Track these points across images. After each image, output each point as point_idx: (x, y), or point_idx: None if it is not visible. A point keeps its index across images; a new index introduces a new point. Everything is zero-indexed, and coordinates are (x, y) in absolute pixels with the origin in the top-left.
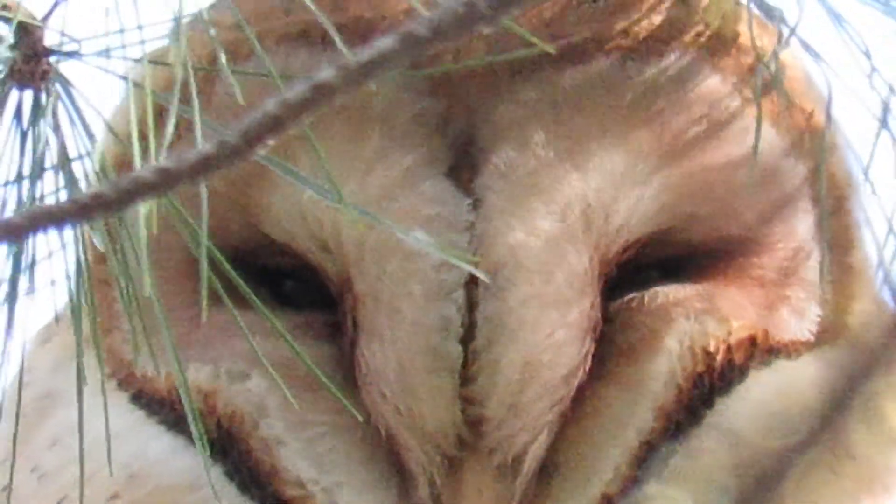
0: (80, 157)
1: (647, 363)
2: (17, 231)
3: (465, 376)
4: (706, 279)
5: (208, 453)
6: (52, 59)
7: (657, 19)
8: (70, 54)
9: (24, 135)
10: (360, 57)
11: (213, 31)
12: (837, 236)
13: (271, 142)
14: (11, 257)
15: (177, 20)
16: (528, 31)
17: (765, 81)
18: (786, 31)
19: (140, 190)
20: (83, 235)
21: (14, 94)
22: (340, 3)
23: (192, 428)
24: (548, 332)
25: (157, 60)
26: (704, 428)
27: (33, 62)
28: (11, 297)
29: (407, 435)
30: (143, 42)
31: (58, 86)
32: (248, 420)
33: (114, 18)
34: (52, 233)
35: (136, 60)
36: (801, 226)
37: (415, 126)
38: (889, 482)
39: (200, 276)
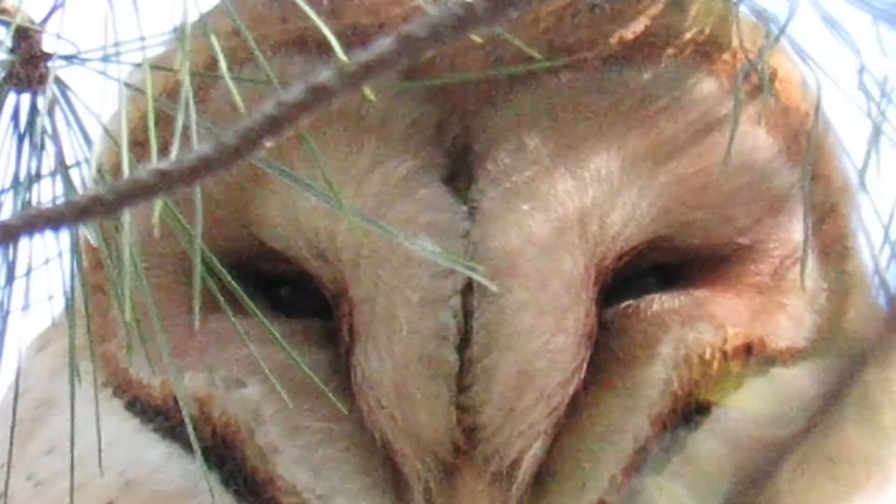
0: (78, 162)
1: (642, 370)
2: (13, 232)
3: (461, 383)
4: (702, 286)
5: (202, 460)
6: (50, 62)
7: (652, 25)
8: (68, 58)
9: (21, 138)
10: (358, 59)
11: (211, 37)
12: (833, 243)
13: (269, 144)
14: (7, 261)
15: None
16: (524, 42)
17: (756, 85)
18: (775, 34)
19: (138, 192)
20: (79, 241)
21: (11, 98)
22: (337, 10)
23: (190, 435)
24: (544, 339)
25: (156, 65)
26: (701, 434)
27: (31, 66)
28: (6, 302)
29: (402, 442)
30: (143, 47)
31: (55, 89)
32: (243, 427)
33: (112, 23)
34: (49, 237)
35: (135, 65)
36: (797, 232)
37: (411, 133)
38: (883, 479)
39: (195, 280)
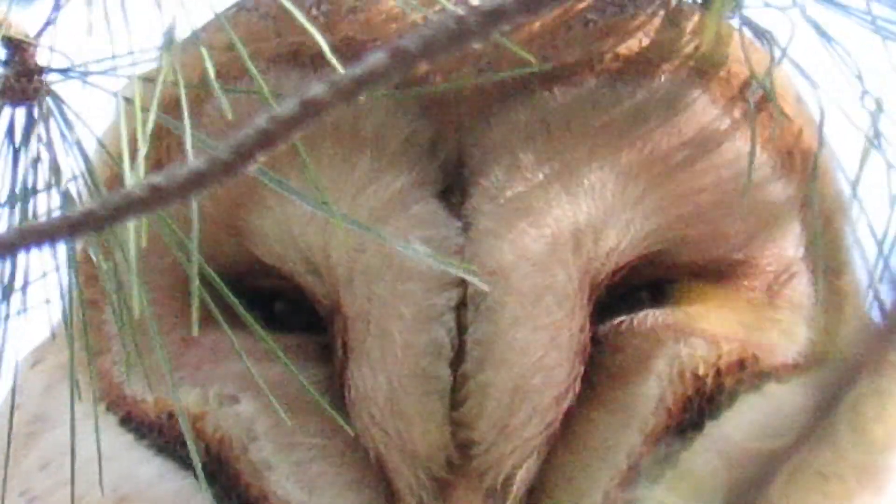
0: (74, 175)
1: (636, 386)
2: (8, 247)
3: (455, 399)
4: (696, 302)
5: (202, 474)
6: (45, 76)
7: (647, 41)
8: (62, 71)
9: (16, 152)
10: (351, 73)
11: (204, 51)
12: (827, 258)
13: (262, 157)
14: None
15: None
16: (520, 48)
17: (755, 102)
18: (777, 53)
19: (131, 207)
20: (76, 255)
21: (6, 112)
22: (331, 25)
23: (191, 449)
24: (537, 354)
25: (150, 78)
26: (694, 451)
27: (25, 79)
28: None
29: (396, 458)
30: (134, 62)
31: (50, 102)
32: (237, 444)
33: (106, 36)
34: (45, 250)
35: (130, 78)
36: (791, 248)
37: (405, 148)
38: (874, 492)
39: (192, 294)
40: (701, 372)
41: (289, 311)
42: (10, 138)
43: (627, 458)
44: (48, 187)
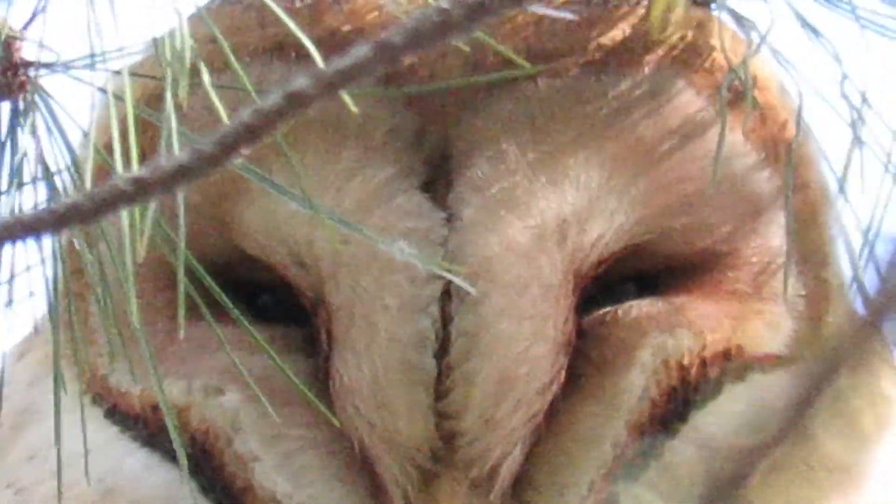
0: (59, 170)
1: (621, 377)
2: None
3: (440, 390)
4: (681, 293)
5: (186, 467)
6: (31, 70)
7: (630, 32)
8: (48, 66)
9: (2, 146)
10: (335, 66)
11: (189, 44)
12: (812, 250)
13: (246, 151)
14: None
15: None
16: (503, 42)
17: (736, 92)
18: (757, 42)
19: (116, 200)
20: (61, 248)
21: None
22: (316, 17)
23: (175, 441)
24: (522, 345)
25: (136, 72)
26: (679, 442)
27: (11, 73)
28: None
29: (381, 449)
30: (118, 56)
31: (36, 97)
32: (221, 436)
33: (92, 30)
34: (30, 244)
35: (115, 72)
36: (776, 239)
37: (390, 140)
38: (858, 478)
39: (178, 287)
40: (686, 363)
41: (274, 302)
42: None
43: (613, 448)
44: (34, 181)
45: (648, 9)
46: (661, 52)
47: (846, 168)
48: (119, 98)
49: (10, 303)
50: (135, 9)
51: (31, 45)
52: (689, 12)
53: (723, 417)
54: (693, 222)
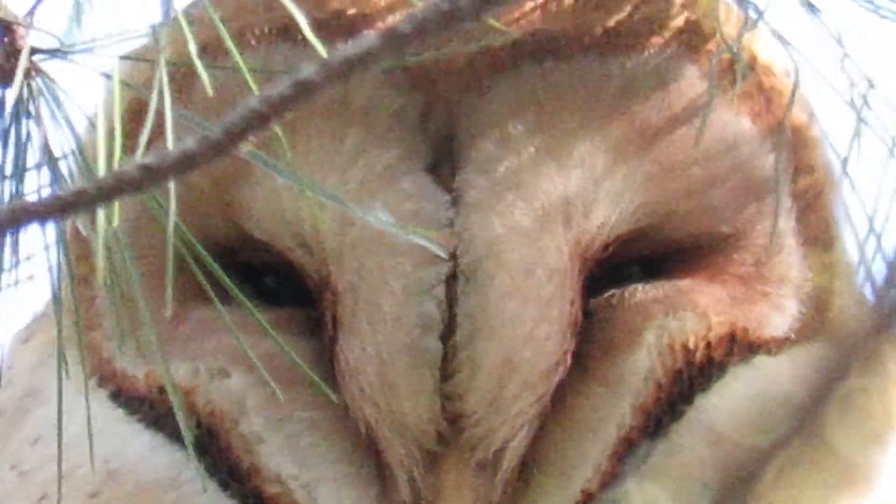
0: (64, 154)
1: (626, 359)
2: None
3: (446, 372)
4: (686, 275)
5: (193, 447)
6: (35, 56)
7: (636, 15)
8: (52, 52)
9: (6, 132)
10: (343, 53)
11: (194, 28)
12: (817, 232)
13: (254, 138)
14: None
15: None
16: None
17: (736, 71)
18: (759, 24)
19: (123, 186)
20: (66, 234)
21: None
22: None
23: (181, 423)
24: (528, 327)
25: (140, 57)
26: (684, 424)
27: (15, 59)
28: None
29: (387, 431)
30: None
31: (40, 83)
32: (227, 417)
33: (96, 16)
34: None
35: (120, 58)
36: (784, 223)
37: (395, 122)
38: (869, 477)
39: (168, 268)
40: (691, 345)
41: (278, 285)
42: (0, 119)
43: (618, 430)
44: (38, 167)
45: None
46: (666, 34)
47: (850, 150)
48: (126, 84)
49: (16, 283)
50: None
51: (35, 32)
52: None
53: (728, 400)
54: (698, 205)
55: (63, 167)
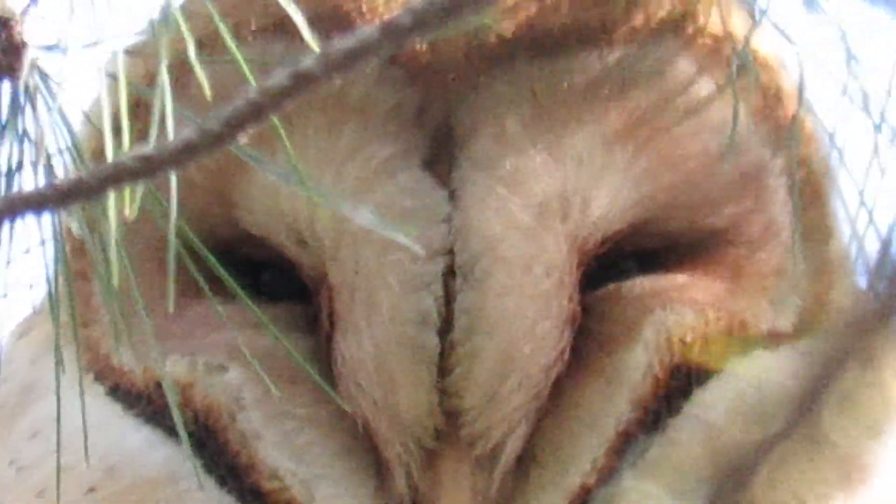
0: (60, 149)
1: (624, 354)
2: None
3: (443, 368)
4: (684, 270)
5: (188, 444)
6: (31, 51)
7: (632, 8)
8: (48, 47)
9: (2, 127)
10: (342, 46)
11: (189, 22)
12: (815, 226)
13: (252, 130)
14: None
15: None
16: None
17: (738, 67)
18: (761, 20)
19: (121, 176)
20: (62, 227)
21: None
22: None
23: (176, 420)
24: (526, 323)
25: (136, 52)
26: (682, 419)
27: (11, 54)
28: None
29: (384, 426)
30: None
31: (37, 78)
32: (225, 413)
33: (92, 10)
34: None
35: (119, 52)
36: (780, 217)
37: (392, 118)
38: (865, 472)
39: (168, 263)
40: (688, 339)
41: (276, 280)
42: None
43: (616, 425)
44: (34, 162)
45: None
46: (664, 28)
47: (847, 143)
48: (119, 78)
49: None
50: None
51: (32, 27)
52: None
53: (726, 394)
54: (696, 199)
55: (59, 163)
